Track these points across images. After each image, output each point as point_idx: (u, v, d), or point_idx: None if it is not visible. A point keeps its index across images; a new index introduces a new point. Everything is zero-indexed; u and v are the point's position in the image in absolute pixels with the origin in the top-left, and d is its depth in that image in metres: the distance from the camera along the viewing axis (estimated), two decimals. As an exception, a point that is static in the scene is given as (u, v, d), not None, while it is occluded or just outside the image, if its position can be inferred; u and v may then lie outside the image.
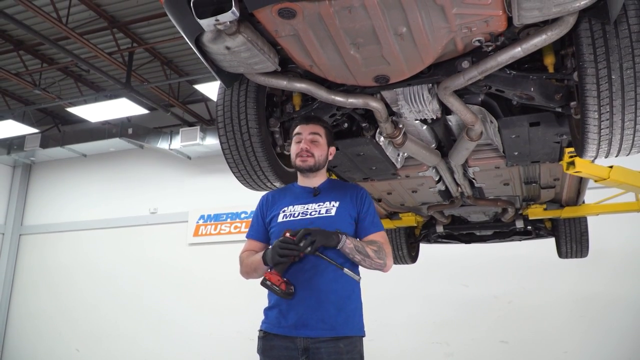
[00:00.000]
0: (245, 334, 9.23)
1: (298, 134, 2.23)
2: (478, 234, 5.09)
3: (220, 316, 9.68)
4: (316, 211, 2.12)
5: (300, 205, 2.16)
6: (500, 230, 4.88)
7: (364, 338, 2.09)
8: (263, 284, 1.98)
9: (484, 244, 5.55)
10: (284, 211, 2.16)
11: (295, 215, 2.13)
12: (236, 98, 2.48)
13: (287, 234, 1.95)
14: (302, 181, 2.27)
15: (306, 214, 2.12)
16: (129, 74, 8.78)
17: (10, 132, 10.71)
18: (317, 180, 2.25)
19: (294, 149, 2.23)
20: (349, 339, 1.99)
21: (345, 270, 1.99)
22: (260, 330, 2.09)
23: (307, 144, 2.20)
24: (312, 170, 2.21)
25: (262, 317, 2.11)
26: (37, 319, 11.24)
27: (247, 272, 2.17)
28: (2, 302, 11.65)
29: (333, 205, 2.12)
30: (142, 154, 11.44)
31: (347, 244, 1.97)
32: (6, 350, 11.41)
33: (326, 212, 2.10)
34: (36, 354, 10.96)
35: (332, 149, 2.30)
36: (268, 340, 2.04)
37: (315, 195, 2.19)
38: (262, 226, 2.25)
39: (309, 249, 1.90)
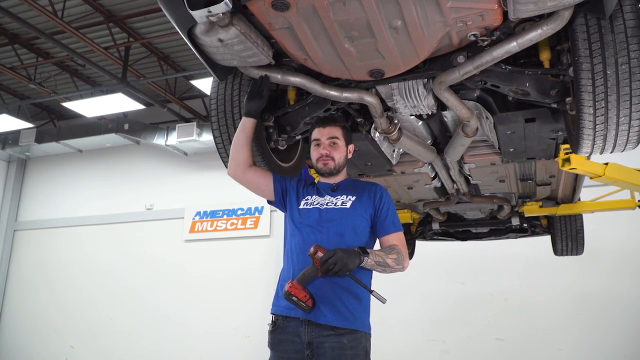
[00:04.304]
0: (241, 331, 9.25)
1: (316, 139, 2.27)
2: (474, 231, 5.09)
3: (216, 313, 9.63)
4: (332, 203, 2.18)
5: (320, 197, 2.23)
6: (496, 227, 4.87)
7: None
8: (288, 298, 1.94)
9: (480, 242, 5.55)
10: (306, 199, 2.24)
11: (315, 203, 2.20)
12: (230, 92, 2.46)
13: (319, 252, 1.91)
14: (323, 179, 2.33)
15: (323, 205, 2.18)
16: (125, 69, 8.73)
17: (5, 126, 10.61)
18: (337, 178, 2.31)
19: (314, 154, 2.29)
20: (352, 335, 2.00)
21: (374, 293, 2.00)
22: (270, 320, 2.11)
23: (327, 148, 2.25)
24: (334, 173, 2.27)
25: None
26: (32, 315, 11.18)
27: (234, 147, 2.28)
28: (-4, 298, 11.61)
29: (349, 199, 2.19)
30: (138, 149, 11.38)
31: (369, 262, 1.97)
32: (0, 346, 11.36)
33: (342, 205, 2.17)
34: (31, 350, 10.91)
35: (351, 147, 2.34)
36: (276, 334, 2.07)
37: (333, 190, 2.25)
38: (278, 181, 2.31)
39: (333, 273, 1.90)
